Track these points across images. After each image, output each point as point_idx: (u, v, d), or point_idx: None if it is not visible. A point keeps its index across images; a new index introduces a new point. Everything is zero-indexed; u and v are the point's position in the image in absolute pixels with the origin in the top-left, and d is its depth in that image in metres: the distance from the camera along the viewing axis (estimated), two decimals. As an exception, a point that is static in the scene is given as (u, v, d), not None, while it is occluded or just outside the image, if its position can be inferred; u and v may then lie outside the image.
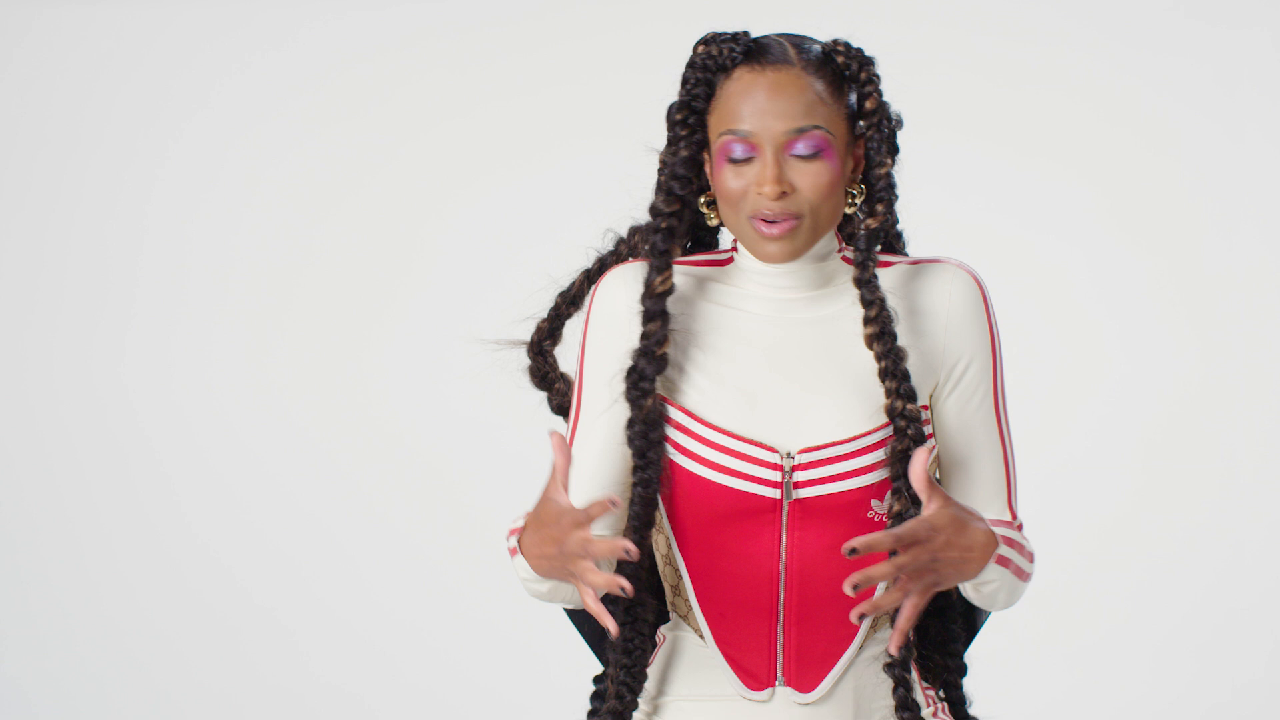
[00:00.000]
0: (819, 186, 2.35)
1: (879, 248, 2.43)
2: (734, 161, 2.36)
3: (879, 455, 2.38)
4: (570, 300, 2.59)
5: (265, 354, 5.20)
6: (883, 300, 2.37)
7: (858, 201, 2.41)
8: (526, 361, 2.62)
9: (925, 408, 2.43)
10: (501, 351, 2.63)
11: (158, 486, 5.22)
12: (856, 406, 2.39)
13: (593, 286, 2.50)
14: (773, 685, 2.44)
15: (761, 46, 2.38)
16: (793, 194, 2.34)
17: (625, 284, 2.44)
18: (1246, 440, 4.97)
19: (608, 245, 2.59)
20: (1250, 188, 4.95)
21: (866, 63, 2.40)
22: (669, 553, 2.47)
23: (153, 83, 5.21)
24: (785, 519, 2.39)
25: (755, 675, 2.44)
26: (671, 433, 2.40)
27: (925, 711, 2.46)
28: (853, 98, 2.39)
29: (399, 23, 5.16)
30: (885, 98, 2.41)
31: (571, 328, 2.56)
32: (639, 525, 2.41)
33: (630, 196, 2.51)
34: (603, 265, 2.57)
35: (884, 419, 2.38)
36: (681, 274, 2.45)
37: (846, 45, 2.40)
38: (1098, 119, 4.96)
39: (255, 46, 5.20)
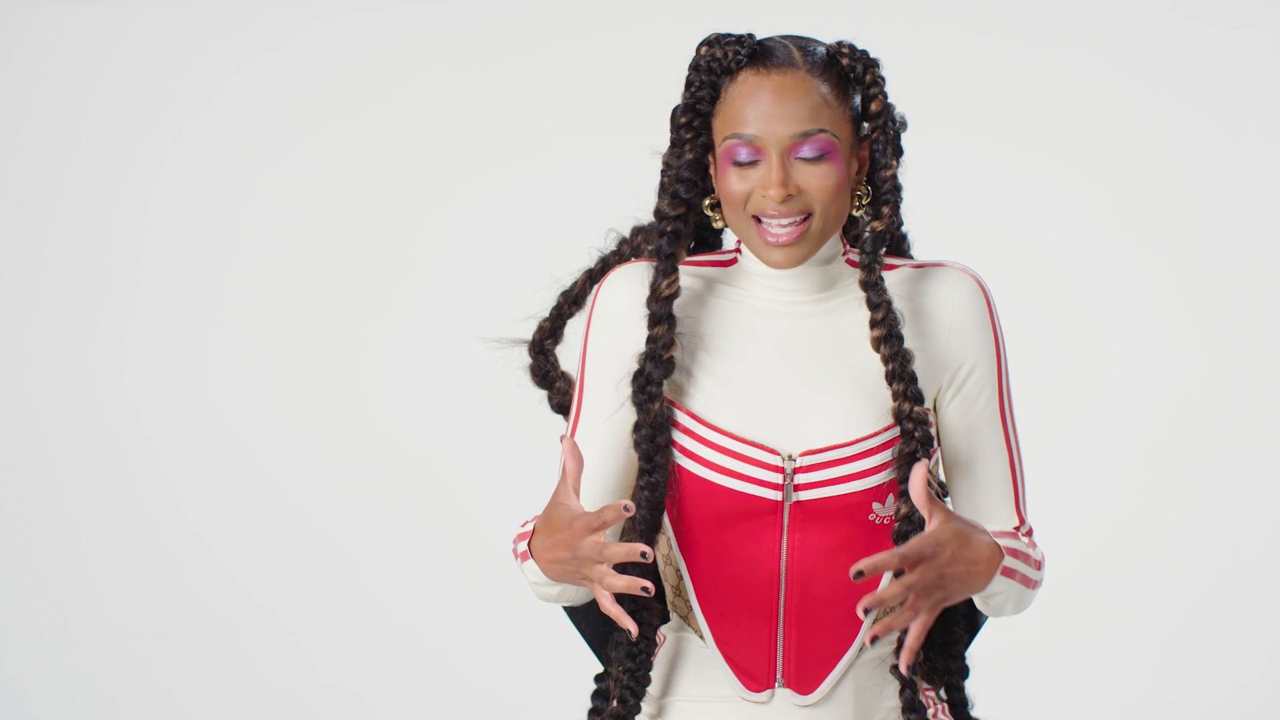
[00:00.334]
0: (825, 189, 2.34)
1: (884, 250, 2.42)
2: (739, 165, 2.35)
3: (881, 458, 2.38)
4: (573, 300, 2.58)
5: (265, 354, 5.20)
6: (889, 303, 2.37)
7: (863, 204, 2.41)
8: (528, 360, 2.61)
9: (929, 410, 2.44)
10: (503, 350, 2.62)
11: (158, 486, 5.22)
12: (861, 409, 2.38)
13: (595, 286, 2.49)
14: (772, 687, 2.44)
15: (766, 49, 2.37)
16: (798, 196, 2.34)
17: (629, 284, 2.43)
18: (1246, 440, 4.97)
19: (610, 245, 2.58)
20: (1250, 188, 4.95)
21: (871, 64, 2.39)
22: (669, 553, 2.47)
23: (153, 83, 5.21)
24: (786, 521, 2.39)
25: (755, 676, 2.44)
26: (674, 434, 2.40)
27: (927, 713, 2.46)
28: (857, 100, 2.38)
29: (399, 23, 5.16)
30: (890, 99, 2.40)
31: (573, 327, 2.56)
32: (646, 529, 2.41)
33: (634, 199, 2.51)
34: (605, 265, 2.57)
35: (888, 421, 2.38)
36: (685, 275, 2.45)
37: (851, 47, 2.39)
38: (1098, 119, 4.96)
39: (255, 46, 5.20)
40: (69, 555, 5.23)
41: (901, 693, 2.42)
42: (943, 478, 2.51)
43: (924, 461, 2.26)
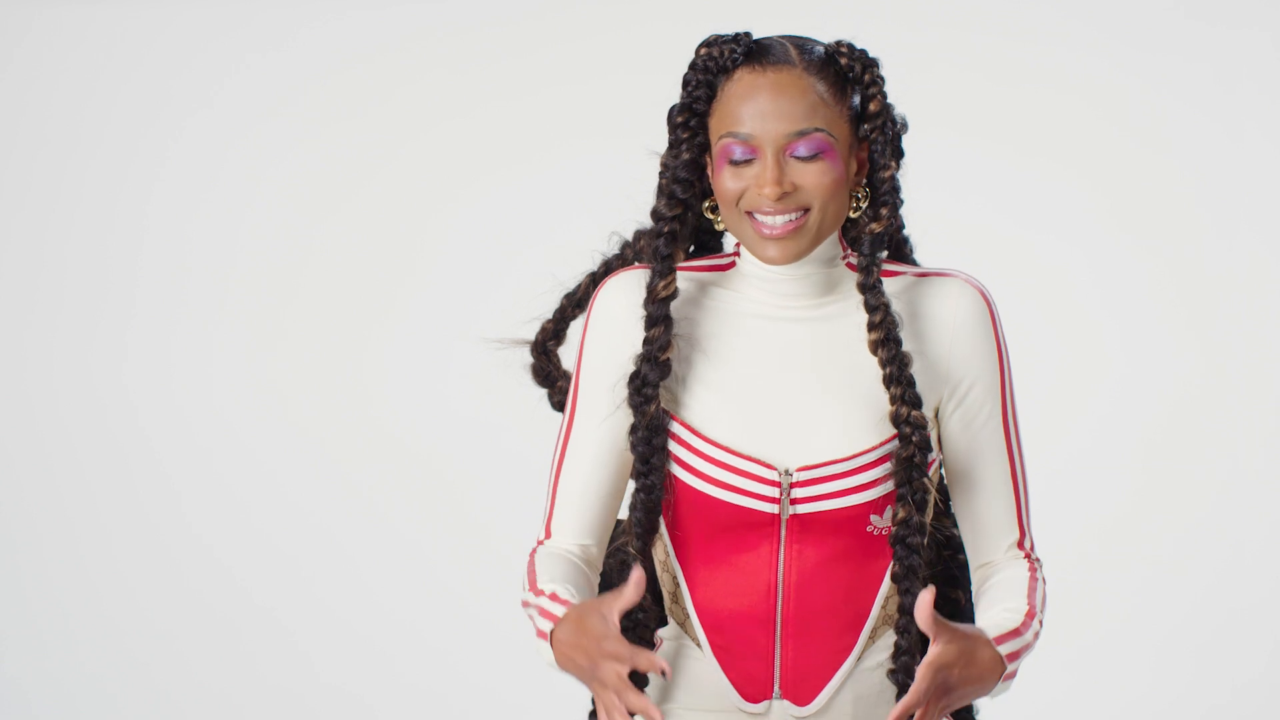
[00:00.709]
0: (821, 186, 2.32)
1: (884, 252, 2.41)
2: (734, 163, 2.34)
3: (879, 472, 2.36)
4: (576, 302, 2.57)
5: (265, 354, 5.20)
6: (887, 306, 2.35)
7: (862, 205, 2.39)
8: (530, 360, 2.61)
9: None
10: (506, 351, 2.62)
11: (158, 486, 5.22)
12: (859, 419, 2.37)
13: (594, 290, 2.49)
14: (770, 698, 2.42)
15: (763, 47, 2.36)
16: (794, 193, 2.32)
17: (625, 289, 2.42)
18: (1246, 440, 4.97)
19: (613, 248, 2.58)
20: (1250, 188, 4.95)
21: (870, 64, 2.37)
22: (666, 559, 2.46)
23: (153, 83, 5.21)
24: (783, 533, 2.38)
25: (752, 687, 2.43)
26: (670, 445, 2.39)
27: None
28: (856, 100, 2.37)
29: (399, 23, 5.16)
30: (889, 100, 2.38)
31: (576, 328, 2.55)
32: (642, 532, 2.40)
33: (632, 201, 2.50)
34: (608, 268, 2.55)
35: (887, 432, 2.36)
36: (683, 279, 2.43)
37: (850, 46, 2.38)
38: (1098, 119, 4.96)
39: (255, 46, 5.19)
40: (69, 555, 5.23)
41: (899, 698, 2.41)
42: (942, 479, 2.51)
43: (930, 589, 2.23)
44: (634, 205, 2.49)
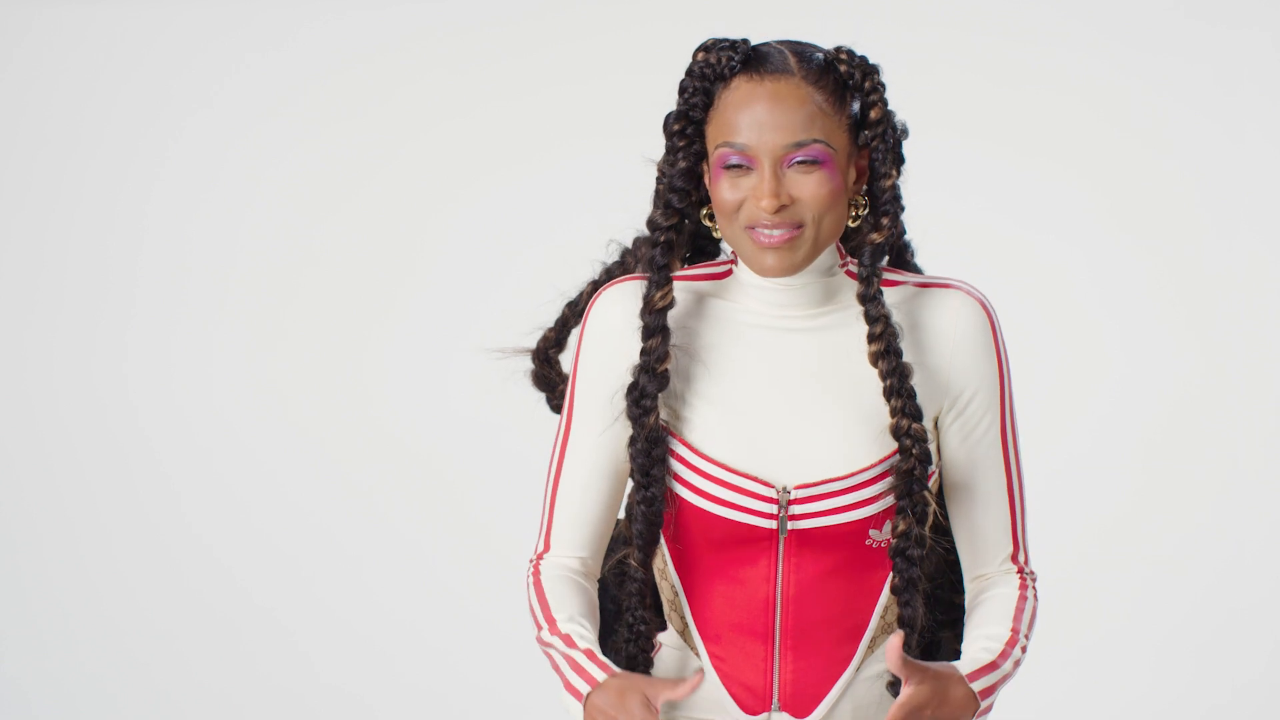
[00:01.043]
0: (819, 197, 2.29)
1: (885, 261, 2.39)
2: (731, 174, 2.30)
3: (878, 489, 2.34)
4: (577, 311, 2.55)
5: (265, 354, 5.20)
6: (887, 317, 2.32)
7: (862, 215, 2.36)
8: (530, 367, 2.60)
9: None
10: (508, 360, 2.61)
11: (158, 486, 5.21)
12: (859, 434, 2.35)
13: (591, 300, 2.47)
14: (768, 710, 2.41)
15: (761, 55, 2.33)
16: (792, 205, 2.29)
17: (621, 299, 2.40)
18: (1246, 440, 4.97)
19: (613, 255, 2.56)
20: (1250, 188, 4.95)
21: (870, 71, 2.34)
22: (664, 568, 2.45)
23: (153, 83, 5.21)
24: (781, 547, 2.37)
25: (751, 699, 2.42)
26: (669, 460, 2.37)
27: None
28: (855, 107, 2.33)
29: (399, 23, 5.16)
30: (890, 107, 2.35)
31: (576, 336, 2.54)
32: (644, 544, 2.38)
33: (626, 209, 2.49)
34: (609, 276, 2.53)
35: (886, 448, 2.34)
36: (680, 289, 2.40)
37: (850, 53, 2.34)
38: (1098, 119, 4.96)
39: (255, 46, 5.19)
40: (69, 555, 5.23)
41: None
42: (939, 490, 2.50)
43: (900, 633, 2.23)
44: (629, 215, 2.47)
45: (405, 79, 5.15)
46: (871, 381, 2.36)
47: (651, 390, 2.35)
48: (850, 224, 2.37)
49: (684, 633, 2.45)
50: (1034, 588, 2.44)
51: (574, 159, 4.99)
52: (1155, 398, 4.98)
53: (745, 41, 2.35)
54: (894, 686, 2.40)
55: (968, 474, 2.41)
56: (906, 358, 2.36)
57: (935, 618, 2.52)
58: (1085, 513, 4.94)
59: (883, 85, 2.35)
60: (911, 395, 2.33)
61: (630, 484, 2.49)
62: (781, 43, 2.36)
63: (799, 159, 2.29)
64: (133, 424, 5.22)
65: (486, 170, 5.12)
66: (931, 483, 2.40)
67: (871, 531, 2.36)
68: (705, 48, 2.35)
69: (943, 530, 2.50)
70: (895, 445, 2.34)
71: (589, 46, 5.08)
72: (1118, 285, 4.99)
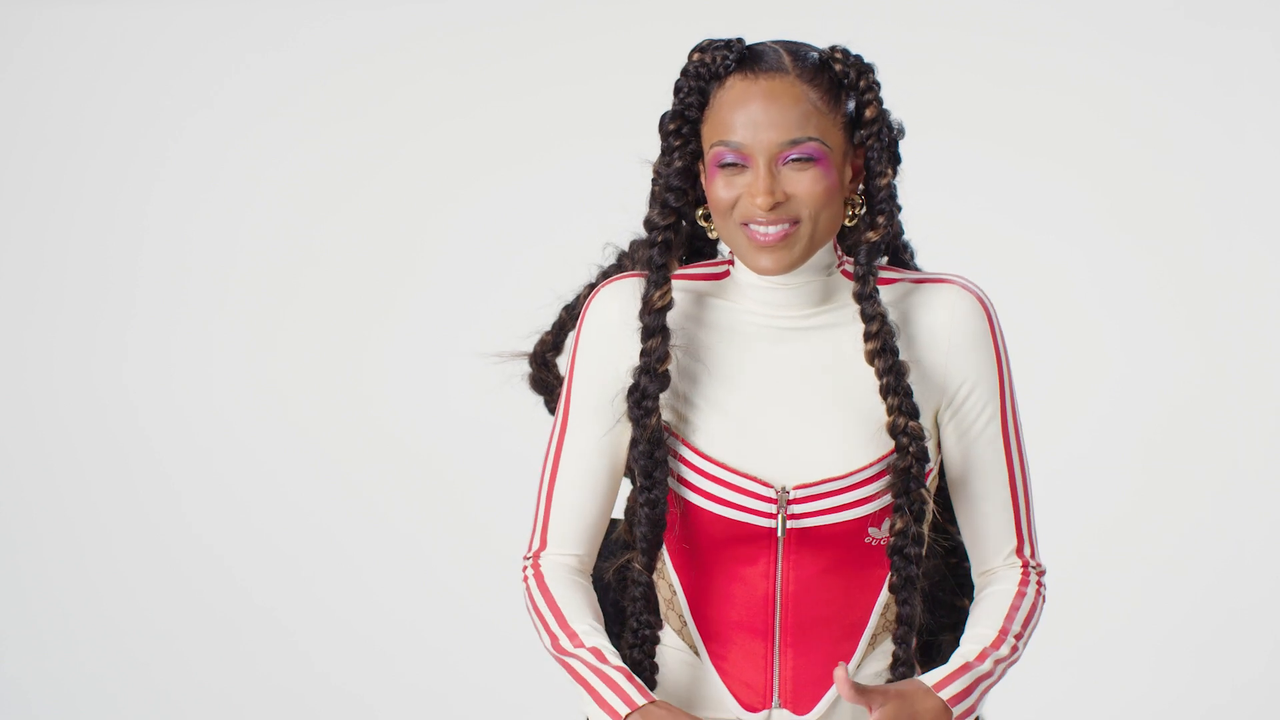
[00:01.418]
0: (814, 194, 2.29)
1: (882, 260, 2.39)
2: (726, 172, 2.30)
3: (876, 487, 2.34)
4: (574, 315, 2.55)
5: (265, 354, 5.20)
6: (884, 315, 2.32)
7: (858, 214, 2.36)
8: (528, 370, 2.59)
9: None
10: (505, 364, 2.60)
11: (158, 486, 5.21)
12: (857, 434, 2.35)
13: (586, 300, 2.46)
14: (769, 707, 2.42)
15: (756, 54, 2.33)
16: (787, 202, 2.29)
17: (618, 297, 2.40)
18: (1246, 440, 4.97)
19: (609, 259, 2.56)
20: (1250, 188, 4.95)
21: (865, 70, 2.34)
22: (662, 568, 2.45)
23: (153, 83, 5.21)
24: (781, 545, 2.37)
25: (751, 696, 2.42)
26: (669, 460, 2.37)
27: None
28: (851, 106, 2.34)
29: (399, 23, 5.16)
30: (885, 106, 2.35)
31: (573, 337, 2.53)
32: (647, 547, 2.38)
33: (625, 210, 2.48)
34: (605, 279, 2.53)
35: (884, 447, 2.34)
36: (677, 289, 2.40)
37: (845, 52, 2.34)
38: (1098, 119, 4.96)
39: (255, 46, 5.19)
40: (69, 555, 5.23)
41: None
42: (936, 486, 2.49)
43: (843, 664, 2.23)
44: (630, 214, 2.47)
45: (405, 79, 5.15)
46: (869, 380, 2.36)
47: (653, 391, 2.34)
48: (847, 223, 2.37)
49: (682, 631, 2.45)
50: (1038, 582, 2.43)
51: (574, 159, 4.99)
52: (1155, 398, 4.98)
53: (740, 40, 2.35)
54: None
55: (968, 469, 2.41)
56: (903, 354, 2.37)
57: (937, 619, 2.52)
58: (1085, 513, 4.94)
59: (878, 84, 2.35)
60: (908, 393, 2.33)
61: (627, 484, 2.50)
62: (776, 42, 2.36)
63: (794, 156, 2.29)
64: (133, 424, 5.22)
65: (486, 170, 5.12)
66: (930, 480, 2.40)
67: (870, 529, 2.36)
68: (700, 48, 2.35)
69: (942, 529, 2.50)
70: (893, 444, 2.34)
71: (589, 46, 5.08)
72: (1118, 285, 4.99)
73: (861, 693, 2.24)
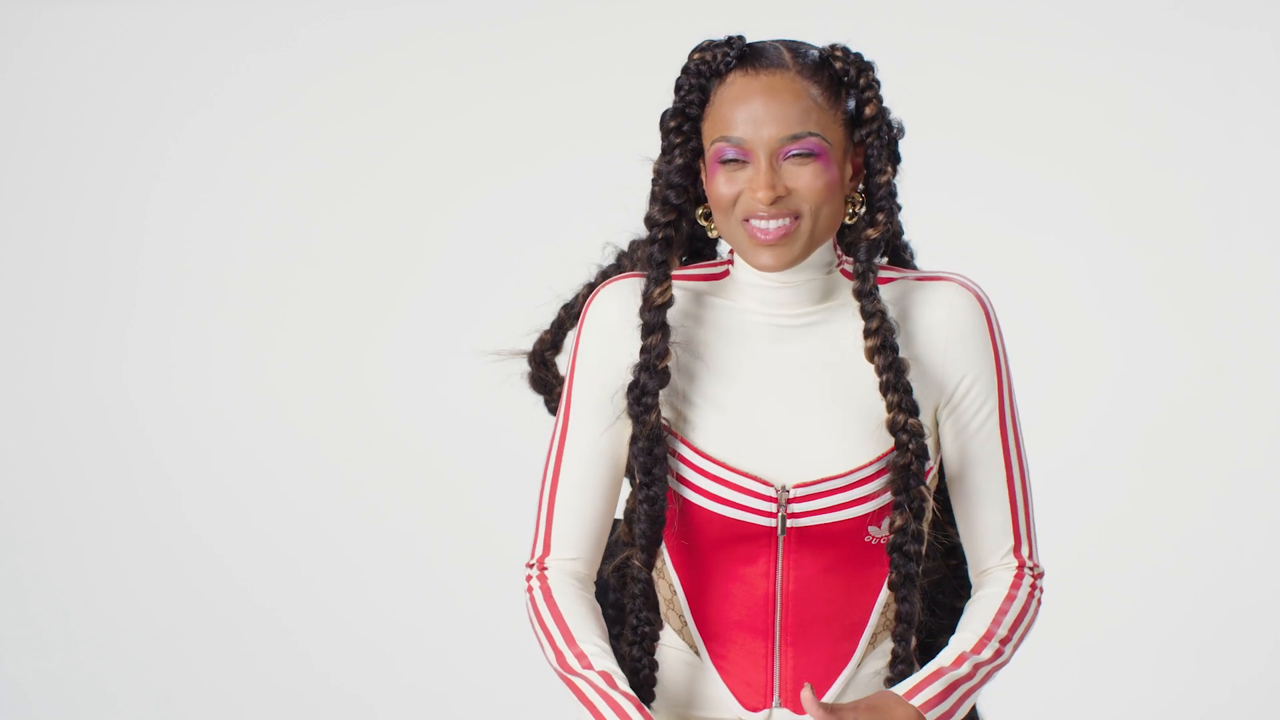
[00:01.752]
0: (815, 189, 2.30)
1: (883, 259, 2.39)
2: (727, 168, 2.31)
3: (876, 485, 2.34)
4: (573, 314, 2.55)
5: (265, 354, 5.20)
6: (884, 312, 2.32)
7: (858, 212, 2.36)
8: (527, 369, 2.59)
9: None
10: (504, 362, 2.60)
11: (158, 486, 5.21)
12: (857, 432, 2.35)
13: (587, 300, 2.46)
14: (769, 706, 2.41)
15: (756, 50, 2.34)
16: (788, 196, 2.30)
17: (619, 297, 2.40)
18: (1247, 440, 4.97)
19: (609, 259, 2.56)
20: (1250, 188, 4.95)
21: (865, 68, 2.35)
22: (662, 567, 2.45)
23: (153, 83, 5.21)
24: (781, 545, 2.37)
25: (752, 695, 2.42)
26: (669, 459, 2.37)
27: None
28: (851, 104, 2.34)
29: (399, 23, 5.16)
30: (885, 104, 2.35)
31: (572, 337, 2.53)
32: (646, 544, 2.38)
33: (626, 209, 2.48)
34: (605, 278, 2.53)
35: (884, 445, 2.34)
36: (678, 289, 2.40)
37: (845, 50, 2.35)
38: (1098, 119, 4.96)
39: (255, 46, 5.19)
40: (69, 555, 5.23)
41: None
42: (935, 486, 2.49)
43: (808, 685, 2.24)
44: (631, 213, 2.47)
45: (405, 79, 5.15)
46: (869, 378, 2.36)
47: (652, 388, 2.34)
48: (846, 220, 2.37)
49: (682, 631, 2.44)
50: (1032, 583, 2.43)
51: (574, 159, 4.99)
52: (1155, 398, 4.98)
53: (740, 38, 2.36)
54: (890, 683, 2.40)
55: (966, 466, 2.41)
56: (902, 352, 2.37)
57: (938, 621, 2.52)
58: (1085, 513, 4.94)
59: (877, 82, 2.35)
60: (908, 390, 2.33)
61: (627, 486, 2.50)
62: (776, 40, 2.36)
63: (794, 151, 2.30)
64: (133, 424, 5.22)
65: (486, 170, 5.12)
66: (930, 480, 2.40)
67: (870, 528, 2.36)
68: (700, 48, 2.36)
69: (942, 529, 2.50)
70: (893, 442, 2.34)
71: (589, 46, 5.08)
72: (1118, 285, 4.99)
73: (831, 711, 2.24)
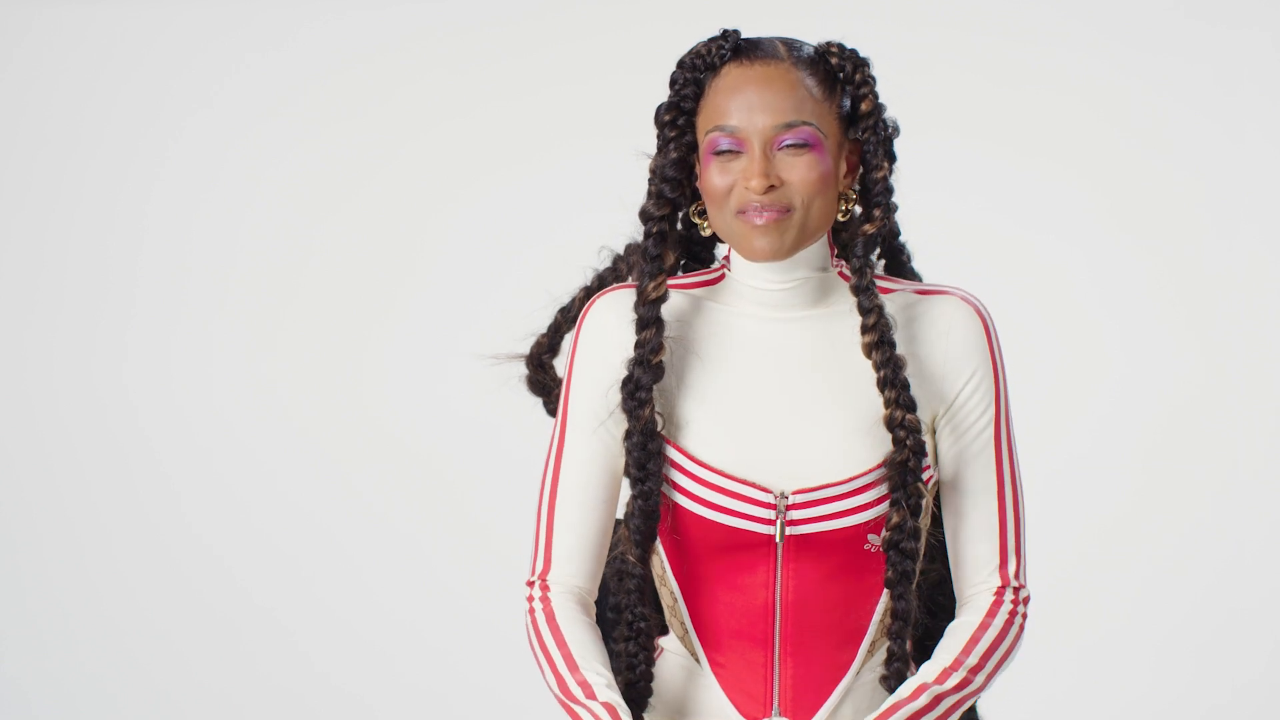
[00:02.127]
0: (809, 180, 2.29)
1: (882, 261, 2.39)
2: (721, 158, 2.30)
3: (876, 493, 2.33)
4: (571, 317, 2.55)
5: (265, 354, 5.20)
6: (881, 308, 2.32)
7: (852, 210, 2.36)
8: (525, 372, 2.59)
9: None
10: (502, 366, 2.60)
11: (158, 486, 5.21)
12: (856, 437, 2.34)
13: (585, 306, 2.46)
14: (769, 715, 2.41)
15: (751, 43, 2.34)
16: (781, 187, 2.29)
17: (615, 307, 2.39)
18: (1246, 440, 4.97)
19: (604, 262, 2.56)
20: (1250, 188, 4.95)
21: (861, 64, 2.35)
22: (663, 574, 2.44)
23: (153, 83, 5.21)
24: (780, 553, 2.36)
25: (751, 704, 2.41)
26: (666, 468, 2.36)
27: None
28: (846, 101, 2.34)
29: (399, 23, 5.16)
30: (881, 100, 2.35)
31: (569, 341, 2.53)
32: (641, 539, 2.38)
33: (627, 211, 2.48)
34: (601, 282, 2.53)
35: (884, 448, 2.33)
36: (673, 295, 2.40)
37: (840, 46, 2.35)
38: (1098, 119, 4.96)
39: (255, 46, 5.19)
40: (69, 555, 5.22)
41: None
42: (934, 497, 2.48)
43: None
44: (631, 213, 2.47)
45: (405, 79, 5.14)
46: (867, 378, 2.35)
47: (646, 382, 2.34)
48: (840, 218, 2.36)
49: (684, 638, 2.44)
50: (1012, 608, 2.41)
51: (574, 159, 4.99)
52: (1155, 398, 4.97)
53: (736, 31, 2.35)
54: (886, 681, 2.40)
55: (959, 478, 2.40)
56: (902, 360, 2.36)
57: (938, 623, 2.51)
58: (1085, 513, 4.94)
59: (873, 78, 2.35)
60: (905, 386, 2.32)
61: (626, 489, 2.49)
62: (771, 36, 2.37)
63: (789, 141, 2.29)
64: (133, 424, 5.22)
65: (486, 170, 5.12)
66: (930, 486, 2.40)
67: (870, 536, 2.35)
68: (695, 51, 2.36)
69: (942, 528, 2.50)
70: (891, 443, 2.34)
71: (589, 46, 5.08)
72: (1118, 285, 4.99)
73: None
